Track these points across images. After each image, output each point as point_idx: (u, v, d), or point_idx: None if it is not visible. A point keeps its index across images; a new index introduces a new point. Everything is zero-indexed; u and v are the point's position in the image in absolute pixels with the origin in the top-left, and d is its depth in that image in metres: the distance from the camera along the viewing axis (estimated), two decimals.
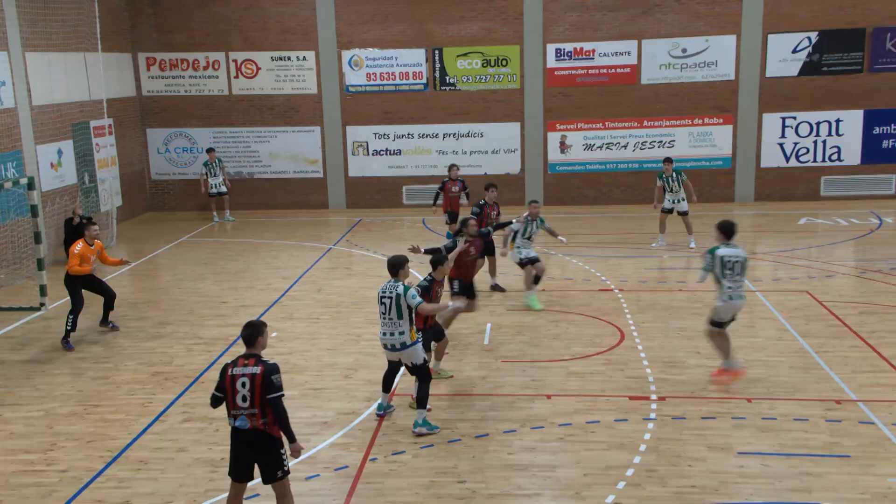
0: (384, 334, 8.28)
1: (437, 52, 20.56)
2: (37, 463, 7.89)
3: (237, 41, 20.80)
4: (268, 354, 10.64)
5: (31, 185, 12.95)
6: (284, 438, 6.23)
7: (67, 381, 9.95)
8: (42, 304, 12.94)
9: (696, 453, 7.74)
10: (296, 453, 6.23)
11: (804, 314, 11.65)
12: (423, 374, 8.36)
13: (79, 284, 11.39)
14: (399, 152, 21.12)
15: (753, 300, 12.43)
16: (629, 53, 20.12)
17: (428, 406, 8.46)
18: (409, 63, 20.69)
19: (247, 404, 6.06)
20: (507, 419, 8.61)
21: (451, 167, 16.75)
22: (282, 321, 12.10)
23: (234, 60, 20.90)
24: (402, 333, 8.18)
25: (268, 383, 6.08)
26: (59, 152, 17.28)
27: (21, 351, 11.13)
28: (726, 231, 9.29)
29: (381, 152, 21.13)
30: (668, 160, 16.39)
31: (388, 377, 8.74)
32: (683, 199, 16.06)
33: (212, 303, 13.19)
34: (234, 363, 6.24)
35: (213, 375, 9.97)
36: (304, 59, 20.77)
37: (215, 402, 6.32)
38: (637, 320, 11.68)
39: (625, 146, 20.61)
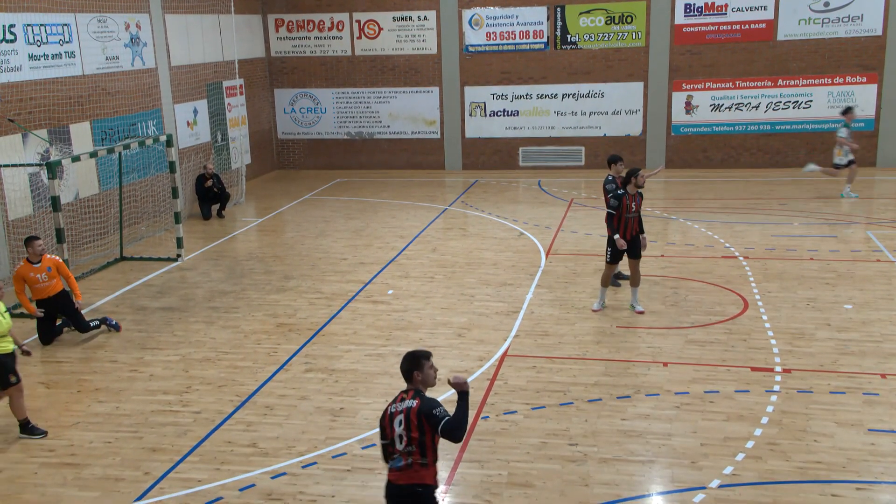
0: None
1: (559, 9, 20.10)
2: (174, 404, 8.49)
3: (361, 2, 21.08)
4: (383, 312, 11.04)
5: (169, 142, 13.74)
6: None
7: (201, 329, 10.60)
8: (179, 255, 13.79)
9: (822, 429, 7.39)
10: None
11: None
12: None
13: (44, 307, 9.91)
14: (517, 113, 20.92)
15: (892, 271, 11.63)
16: (765, 8, 18.97)
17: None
18: (529, 21, 20.35)
19: (403, 445, 5.05)
20: (621, 385, 8.50)
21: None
22: (398, 279, 12.38)
23: (358, 21, 21.22)
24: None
25: (427, 415, 4.98)
26: (195, 111, 18.19)
27: (160, 299, 11.93)
28: None
29: (499, 113, 21.01)
30: (849, 110, 16.56)
31: None
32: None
33: (332, 259, 13.64)
34: (394, 401, 5.19)
35: (334, 329, 10.41)
36: (426, 18, 20.81)
37: (384, 454, 5.25)
38: (762, 289, 11.18)
39: (756, 107, 19.57)
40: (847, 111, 16.49)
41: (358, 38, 21.33)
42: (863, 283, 11.24)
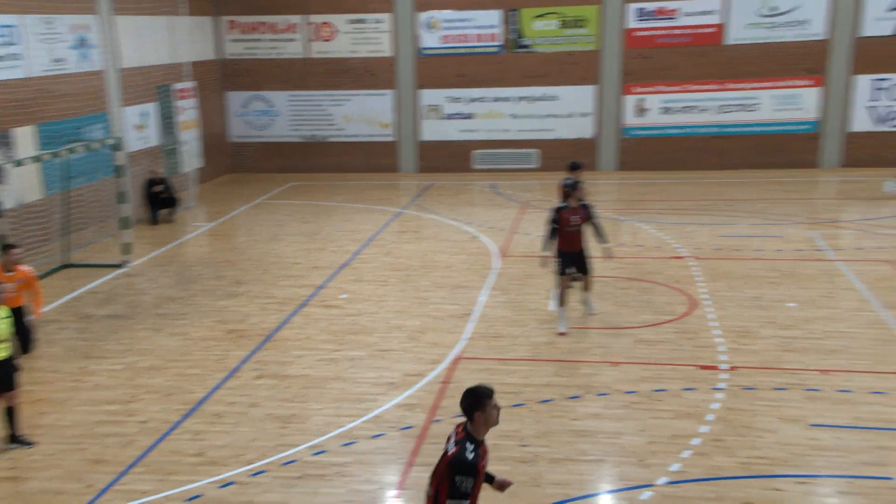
0: None
1: (513, 13, 20.24)
2: (119, 413, 8.32)
3: (316, 4, 20.96)
4: (336, 316, 10.98)
5: (116, 147, 13.45)
6: None
7: (148, 336, 10.41)
8: (125, 262, 13.53)
9: (766, 424, 7.56)
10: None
11: (888, 285, 11.13)
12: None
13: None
14: (472, 116, 21.01)
15: (834, 270, 11.95)
16: (715, 13, 19.36)
17: None
18: (484, 24, 20.45)
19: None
20: (572, 385, 8.59)
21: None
22: (351, 283, 12.32)
23: (312, 23, 21.09)
24: None
25: (455, 462, 4.57)
26: (144, 114, 17.87)
27: (106, 306, 11.69)
28: None
29: (454, 116, 21.06)
30: None
31: None
32: None
33: (285, 263, 13.52)
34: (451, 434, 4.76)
35: (286, 334, 10.32)
36: (381, 21, 20.77)
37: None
38: (710, 289, 11.40)
39: (705, 109, 19.94)
40: None
41: (313, 40, 21.19)
42: (806, 282, 11.53)
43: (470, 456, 4.54)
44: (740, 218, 15.45)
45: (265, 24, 21.31)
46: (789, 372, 8.67)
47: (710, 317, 10.37)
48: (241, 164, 22.23)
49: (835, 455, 7.01)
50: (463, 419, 4.71)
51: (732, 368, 8.80)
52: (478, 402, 4.63)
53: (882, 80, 18.84)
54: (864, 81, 18.94)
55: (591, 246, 10.33)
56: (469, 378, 8.81)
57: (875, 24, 18.56)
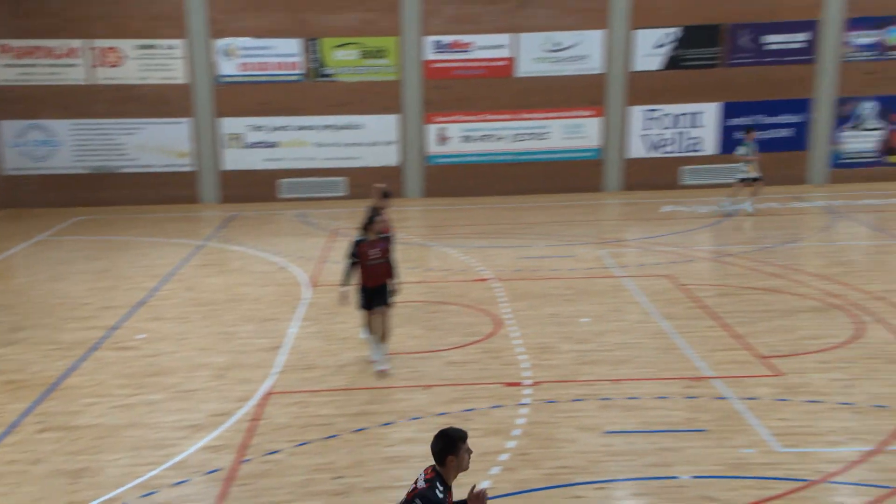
0: None
1: (313, 42, 20.23)
2: None
3: (100, 28, 19.69)
4: (132, 358, 10.29)
5: None
6: None
7: None
8: None
9: (566, 435, 7.99)
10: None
11: (666, 297, 12.24)
12: None
13: None
14: (276, 144, 20.66)
15: (620, 285, 12.96)
16: (505, 47, 20.48)
17: None
18: (285, 53, 20.26)
19: None
20: (385, 412, 8.60)
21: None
22: (148, 322, 11.59)
23: (96, 48, 19.78)
24: None
25: (422, 496, 4.53)
26: None
27: None
28: None
29: (257, 144, 20.61)
30: (752, 129, 18.19)
31: None
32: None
33: (72, 304, 12.46)
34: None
35: (74, 382, 9.49)
36: (173, 47, 19.92)
37: None
38: (513, 308, 11.93)
39: (501, 138, 21.00)
40: (749, 130, 18.12)
41: (97, 65, 19.87)
42: (597, 298, 12.40)
43: (440, 496, 4.49)
44: (537, 240, 16.36)
45: (41, 48, 19.70)
46: (585, 383, 9.24)
47: (514, 335, 10.84)
48: (17, 198, 20.27)
49: (627, 459, 7.54)
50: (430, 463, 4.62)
51: (535, 383, 9.24)
52: (451, 445, 4.58)
53: (653, 110, 20.84)
54: (637, 112, 20.85)
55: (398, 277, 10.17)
56: (280, 413, 8.58)
57: (645, 60, 20.53)
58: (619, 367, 9.71)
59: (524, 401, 8.80)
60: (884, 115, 20.63)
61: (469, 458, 4.69)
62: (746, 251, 14.78)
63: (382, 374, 9.59)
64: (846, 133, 20.77)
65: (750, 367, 9.50)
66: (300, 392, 9.16)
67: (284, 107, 20.49)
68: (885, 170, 20.86)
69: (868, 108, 20.62)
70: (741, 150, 17.85)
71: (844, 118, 20.68)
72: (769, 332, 10.62)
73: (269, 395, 9.10)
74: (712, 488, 6.98)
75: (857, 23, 20.09)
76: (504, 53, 20.52)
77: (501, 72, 20.62)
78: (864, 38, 20.19)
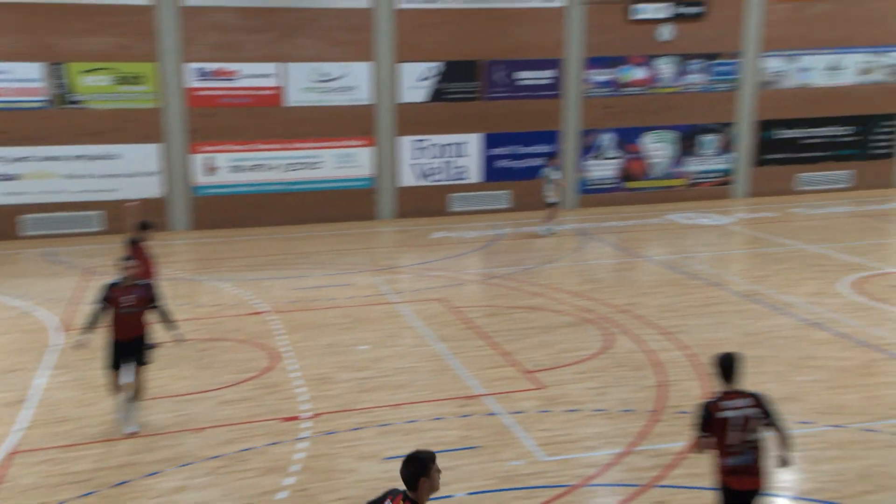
0: None
1: (56, 66, 18.64)
2: None
3: None
4: None
5: None
6: None
7: None
8: None
9: (346, 465, 7.96)
10: None
11: (439, 321, 12.68)
12: None
13: None
14: (17, 177, 18.71)
15: (396, 312, 13.22)
16: (272, 76, 20.24)
17: None
18: (24, 78, 18.50)
19: None
20: (150, 461, 8.03)
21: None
22: None
23: None
24: None
25: None
26: None
27: None
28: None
29: None
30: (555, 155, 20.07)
31: None
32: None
33: None
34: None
35: None
36: None
37: None
38: (290, 340, 11.71)
39: (272, 167, 20.66)
40: (553, 156, 19.10)
41: None
42: (374, 325, 12.54)
43: None
44: (313, 269, 16.24)
45: None
46: (365, 411, 9.28)
47: (292, 368, 10.64)
48: None
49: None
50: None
51: (315, 416, 9.12)
52: (423, 468, 4.54)
53: (421, 140, 21.62)
54: (406, 142, 21.51)
55: (156, 330, 9.17)
56: (26, 473, 7.72)
57: (410, 92, 21.27)
58: (398, 391, 9.87)
59: (303, 434, 8.65)
60: (621, 145, 23.05)
61: (439, 477, 4.67)
62: (511, 272, 15.73)
63: (132, 436, 8.58)
64: (590, 162, 22.93)
65: (517, 383, 10.09)
66: (51, 448, 8.31)
67: (26, 136, 18.67)
68: (625, 194, 23.28)
69: (607, 139, 22.94)
70: (554, 175, 19.14)
71: (588, 148, 22.83)
72: (532, 347, 11.37)
73: (12, 454, 8.15)
74: (486, 503, 7.28)
75: (594, 62, 22.32)
76: (272, 82, 20.27)
77: (270, 101, 20.34)
78: (601, 75, 22.49)
